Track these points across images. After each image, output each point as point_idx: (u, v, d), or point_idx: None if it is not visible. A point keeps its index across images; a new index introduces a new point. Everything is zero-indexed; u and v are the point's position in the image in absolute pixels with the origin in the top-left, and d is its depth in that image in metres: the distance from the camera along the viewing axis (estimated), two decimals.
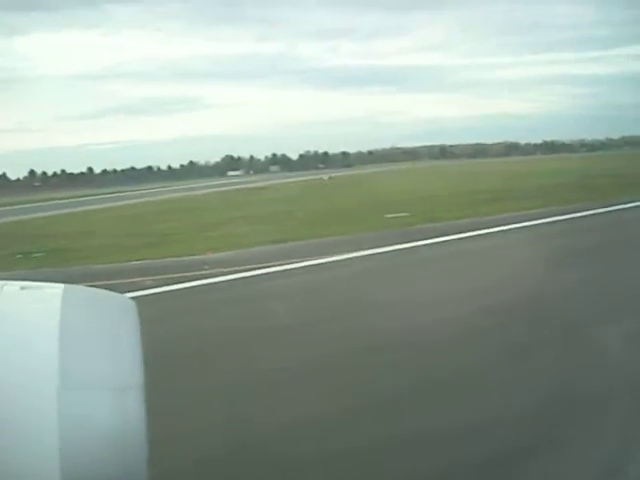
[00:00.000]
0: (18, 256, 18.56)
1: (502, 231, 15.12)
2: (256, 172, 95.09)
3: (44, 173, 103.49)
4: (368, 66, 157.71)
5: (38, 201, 54.83)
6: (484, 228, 15.54)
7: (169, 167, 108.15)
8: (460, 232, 15.21)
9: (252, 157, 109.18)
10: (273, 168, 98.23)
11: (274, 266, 13.45)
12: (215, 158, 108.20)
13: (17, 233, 26.44)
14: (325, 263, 13.53)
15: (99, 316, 1.83)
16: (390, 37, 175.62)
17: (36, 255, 18.54)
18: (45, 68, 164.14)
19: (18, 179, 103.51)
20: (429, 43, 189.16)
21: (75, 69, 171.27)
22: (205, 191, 53.06)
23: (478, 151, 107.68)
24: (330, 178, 59.68)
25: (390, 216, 22.22)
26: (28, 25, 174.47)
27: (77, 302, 1.87)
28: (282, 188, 49.89)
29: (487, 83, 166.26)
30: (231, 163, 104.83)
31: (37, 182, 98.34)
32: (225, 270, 13.34)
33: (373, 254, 13.86)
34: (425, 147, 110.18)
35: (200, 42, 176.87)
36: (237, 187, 56.14)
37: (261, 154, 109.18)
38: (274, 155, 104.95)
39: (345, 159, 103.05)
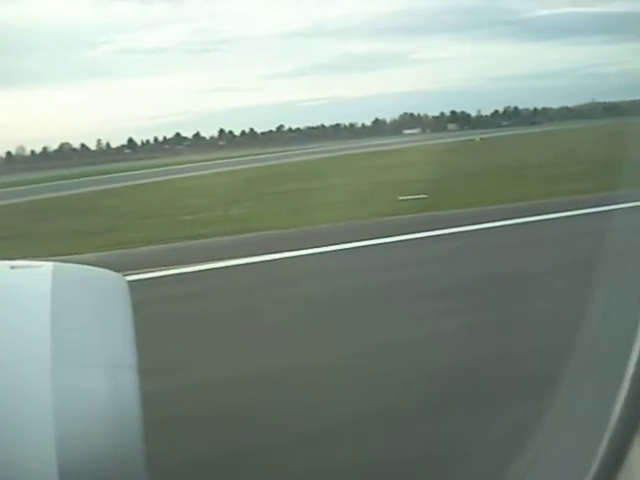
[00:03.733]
0: None
1: None
2: (434, 130, 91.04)
3: (230, 132, 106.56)
4: (582, 14, 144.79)
5: (183, 163, 55.99)
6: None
7: (351, 125, 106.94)
8: None
9: (461, 113, 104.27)
10: (451, 126, 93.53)
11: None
12: (394, 115, 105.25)
13: (63, 208, 26.10)
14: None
15: (90, 293, 1.82)
16: None
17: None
18: (253, 29, 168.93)
19: (212, 137, 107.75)
20: None
21: (281, 28, 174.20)
22: (332, 154, 51.65)
23: None
24: (482, 139, 55.83)
25: (402, 198, 19.30)
26: None
27: (68, 280, 1.84)
28: (410, 151, 47.20)
29: None
30: (410, 121, 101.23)
31: (222, 141, 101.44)
32: None
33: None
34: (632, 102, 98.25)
35: None
36: (371, 150, 54.02)
37: (460, 109, 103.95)
38: (452, 112, 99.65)
39: (534, 116, 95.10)
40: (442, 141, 59.74)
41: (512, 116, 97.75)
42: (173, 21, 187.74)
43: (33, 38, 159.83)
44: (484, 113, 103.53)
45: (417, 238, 12.20)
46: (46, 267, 1.84)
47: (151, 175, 44.62)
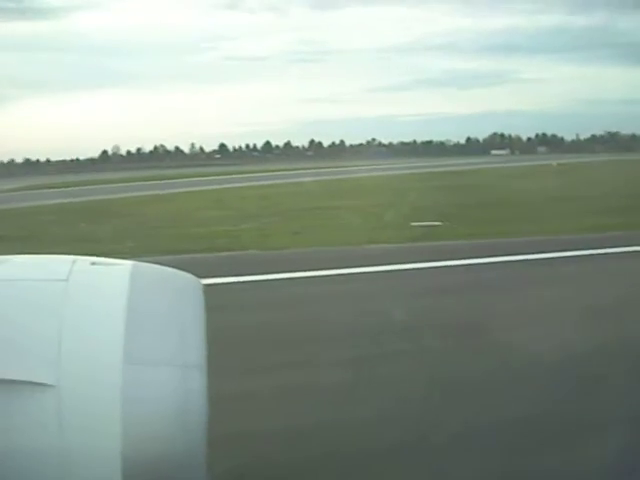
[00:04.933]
0: None
1: None
2: (523, 152, 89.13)
3: (319, 143, 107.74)
4: None
5: (260, 172, 57.00)
6: None
7: (441, 142, 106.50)
8: None
9: (551, 136, 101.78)
10: (541, 149, 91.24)
11: None
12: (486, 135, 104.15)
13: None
14: None
15: (166, 293, 1.85)
16: None
17: None
18: (356, 41, 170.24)
19: (303, 147, 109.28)
20: None
21: (384, 42, 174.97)
22: (405, 172, 50.91)
23: None
24: (559, 165, 54.13)
25: (415, 224, 18.72)
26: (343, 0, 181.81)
27: (145, 279, 1.89)
28: (474, 174, 46.11)
29: None
30: (500, 141, 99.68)
31: (310, 152, 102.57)
32: None
33: None
34: None
35: (506, 14, 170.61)
36: (440, 170, 52.93)
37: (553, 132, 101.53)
38: (544, 135, 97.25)
39: (632, 142, 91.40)
40: (520, 164, 58.44)
41: (609, 141, 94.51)
42: (277, 31, 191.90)
43: (141, 43, 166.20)
44: (582, 137, 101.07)
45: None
46: (125, 265, 1.93)
47: (220, 182, 45.26)
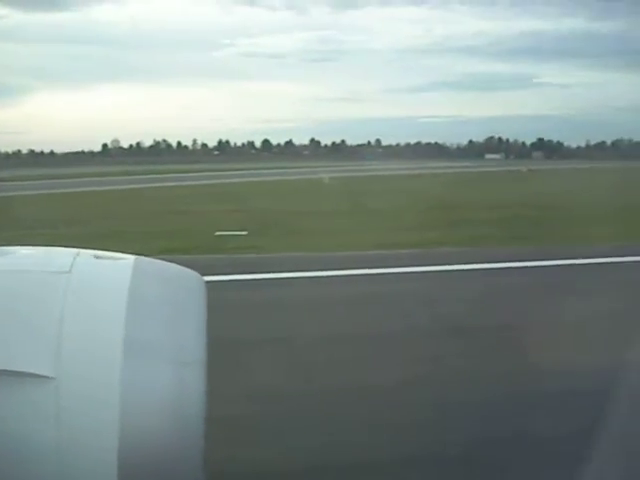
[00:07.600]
0: None
1: None
2: (519, 157, 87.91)
3: (317, 142, 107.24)
4: None
5: (235, 169, 57.01)
6: None
7: (437, 144, 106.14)
8: None
9: (548, 141, 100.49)
10: (536, 154, 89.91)
11: None
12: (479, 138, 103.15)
13: None
14: None
15: (167, 289, 1.83)
16: None
17: None
18: (375, 42, 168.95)
19: (302, 144, 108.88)
20: None
21: (403, 43, 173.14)
22: (374, 173, 50.31)
23: None
24: (529, 170, 53.44)
25: (219, 233, 17.25)
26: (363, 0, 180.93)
27: (147, 273, 1.88)
28: (430, 177, 45.05)
29: None
30: (497, 145, 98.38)
31: (307, 151, 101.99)
32: None
33: None
34: None
35: (528, 19, 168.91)
36: (410, 172, 51.77)
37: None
38: (540, 140, 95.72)
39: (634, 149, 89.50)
40: (496, 169, 57.82)
41: (618, 149, 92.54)
42: (296, 29, 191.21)
43: (161, 37, 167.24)
44: (593, 143, 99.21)
45: None
46: (128, 259, 1.89)
47: (186, 179, 45.08)
